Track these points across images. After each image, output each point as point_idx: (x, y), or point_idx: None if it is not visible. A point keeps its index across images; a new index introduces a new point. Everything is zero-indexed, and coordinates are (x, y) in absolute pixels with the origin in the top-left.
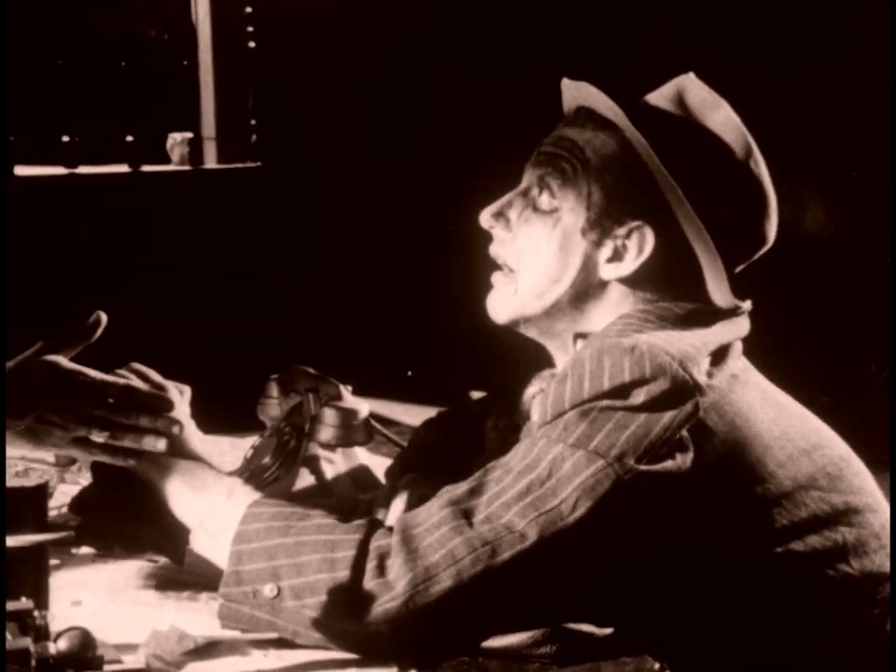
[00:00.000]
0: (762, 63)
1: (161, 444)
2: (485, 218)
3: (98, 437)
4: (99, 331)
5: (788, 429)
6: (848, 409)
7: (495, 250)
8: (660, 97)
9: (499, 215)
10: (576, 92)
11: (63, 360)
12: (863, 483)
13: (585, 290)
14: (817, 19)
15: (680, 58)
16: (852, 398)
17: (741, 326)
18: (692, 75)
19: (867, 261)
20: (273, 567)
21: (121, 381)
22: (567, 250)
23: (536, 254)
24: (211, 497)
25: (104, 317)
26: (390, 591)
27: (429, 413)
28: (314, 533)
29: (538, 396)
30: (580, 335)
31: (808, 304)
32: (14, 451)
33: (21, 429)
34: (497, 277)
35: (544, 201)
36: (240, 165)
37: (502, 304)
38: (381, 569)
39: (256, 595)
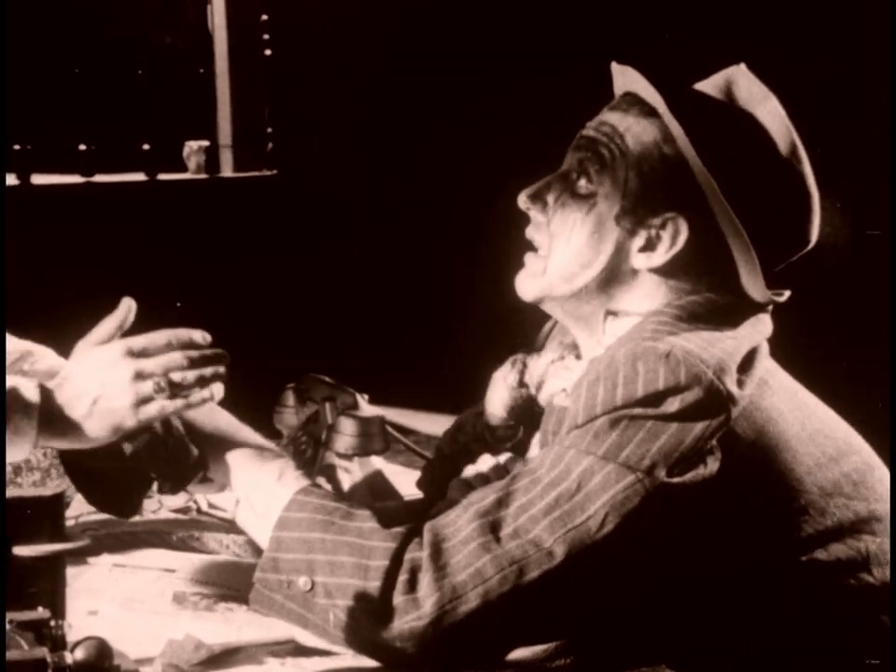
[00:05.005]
0: (758, 61)
1: (218, 390)
2: (522, 200)
3: (161, 395)
4: (132, 317)
5: (816, 435)
6: (849, 412)
7: (530, 233)
8: (709, 86)
9: (536, 197)
10: (622, 77)
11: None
12: (887, 491)
13: (616, 277)
14: (815, 17)
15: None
16: (852, 402)
17: (768, 325)
18: (743, 66)
19: (867, 263)
20: (310, 561)
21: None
22: (599, 236)
23: (568, 238)
24: (261, 475)
25: (132, 303)
26: (418, 609)
27: (447, 420)
28: (353, 535)
29: (556, 362)
30: (611, 312)
31: (808, 305)
32: (83, 444)
33: (84, 417)
34: (528, 257)
35: (581, 185)
36: (256, 173)
37: (530, 282)
38: (412, 584)
39: (290, 585)
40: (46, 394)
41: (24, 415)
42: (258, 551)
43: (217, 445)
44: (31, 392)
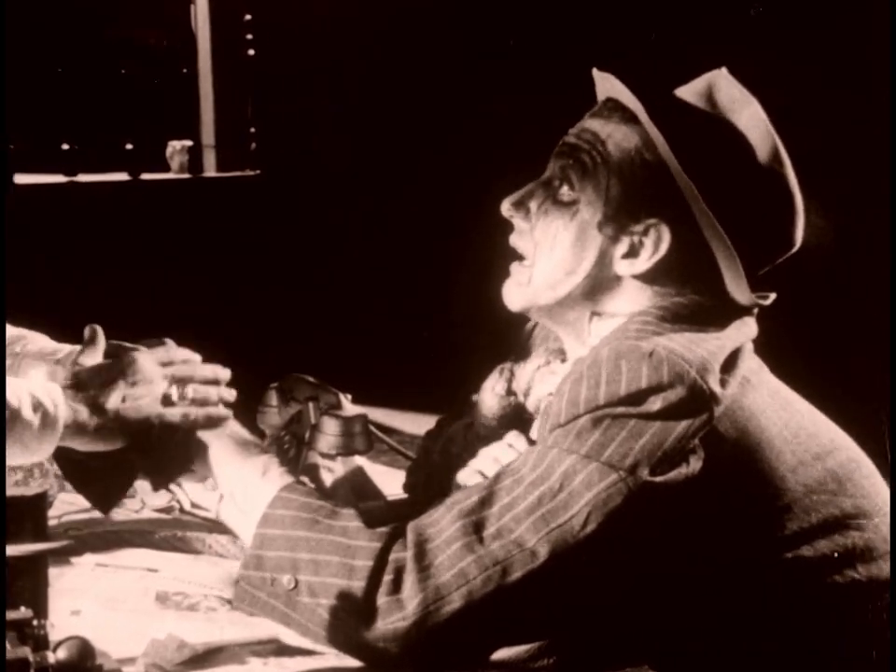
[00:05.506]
0: (758, 63)
1: (224, 411)
2: (506, 207)
3: (177, 397)
4: (101, 337)
5: (799, 432)
6: (849, 411)
7: (514, 240)
8: (689, 92)
9: (520, 204)
10: (604, 83)
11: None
12: (874, 487)
13: (600, 284)
14: (814, 20)
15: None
16: (852, 400)
17: (753, 327)
18: (724, 70)
19: (867, 263)
20: (294, 559)
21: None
22: (582, 243)
23: (551, 245)
24: (245, 471)
25: (97, 329)
26: (402, 610)
27: (430, 421)
28: (338, 534)
29: (542, 368)
30: (596, 313)
31: (808, 306)
32: (105, 445)
33: (110, 417)
34: (514, 266)
35: (564, 192)
36: (239, 173)
37: (516, 292)
38: (396, 585)
39: (274, 583)
40: (70, 395)
41: (47, 418)
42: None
43: (202, 435)
44: (55, 394)
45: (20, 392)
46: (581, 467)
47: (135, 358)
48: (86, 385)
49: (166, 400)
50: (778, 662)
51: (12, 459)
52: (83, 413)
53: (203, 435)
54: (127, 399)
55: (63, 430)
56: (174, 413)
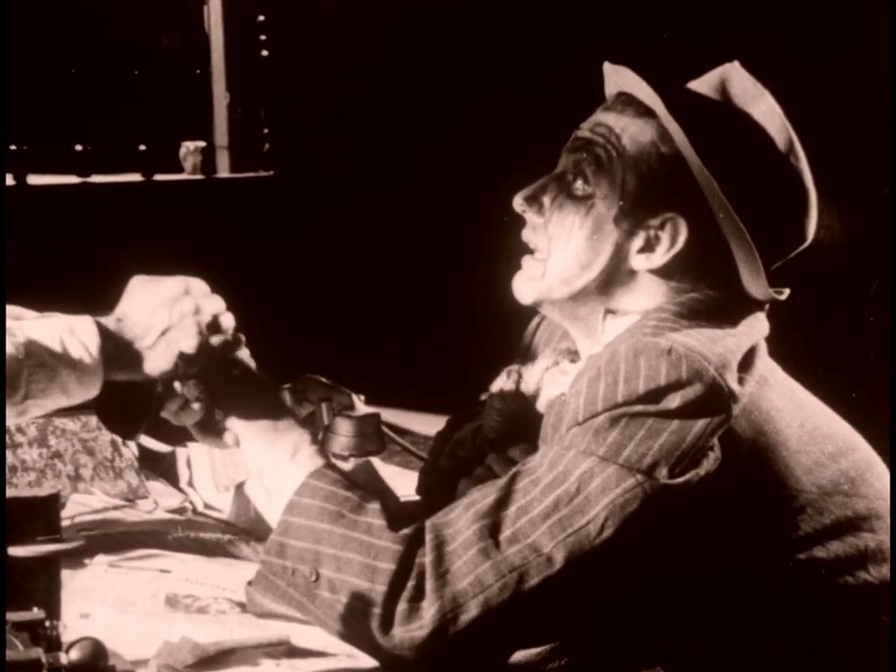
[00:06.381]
0: (758, 63)
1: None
2: (518, 202)
3: (214, 334)
4: None
5: (814, 433)
6: (856, 409)
7: (527, 235)
8: (703, 85)
9: (532, 199)
10: (616, 77)
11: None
12: (886, 488)
13: (614, 278)
14: (814, 20)
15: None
16: (851, 402)
17: (765, 324)
18: (736, 63)
19: (868, 264)
20: (317, 552)
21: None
22: (598, 238)
23: (566, 240)
24: (275, 451)
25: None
26: (420, 619)
27: (443, 421)
28: (362, 532)
29: (551, 369)
30: (610, 311)
31: (808, 306)
32: (142, 376)
33: (149, 348)
34: (526, 260)
35: (578, 187)
36: (253, 174)
37: (528, 285)
38: (417, 591)
39: (295, 573)
40: (105, 331)
41: (86, 354)
42: (266, 529)
43: (237, 394)
44: (89, 331)
45: (58, 332)
46: (598, 470)
47: (176, 293)
48: (128, 317)
49: (200, 333)
50: (790, 663)
51: (72, 400)
52: (120, 349)
53: (239, 391)
54: (168, 333)
55: (110, 363)
56: (213, 340)
